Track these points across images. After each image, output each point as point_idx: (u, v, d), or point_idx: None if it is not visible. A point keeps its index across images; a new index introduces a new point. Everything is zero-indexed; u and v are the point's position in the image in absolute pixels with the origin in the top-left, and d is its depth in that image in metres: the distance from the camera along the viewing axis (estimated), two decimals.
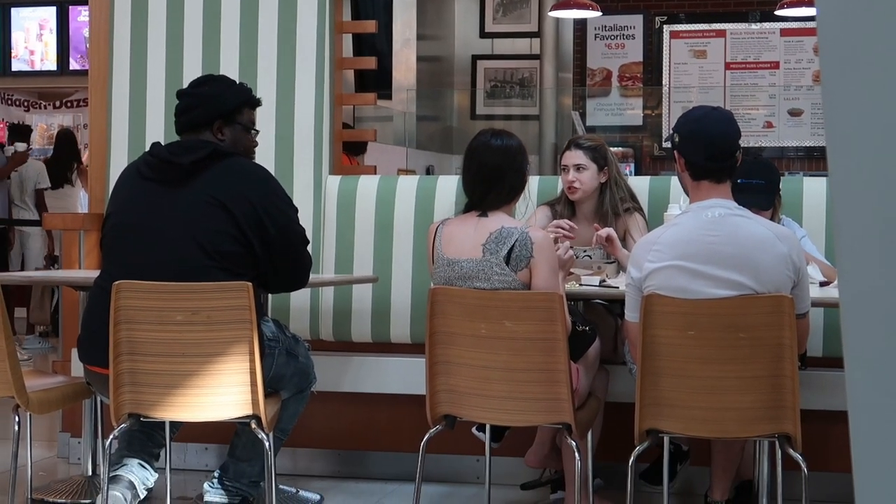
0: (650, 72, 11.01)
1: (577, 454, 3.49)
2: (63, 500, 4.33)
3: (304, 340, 4.00)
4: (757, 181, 3.95)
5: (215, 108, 3.80)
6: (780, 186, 4.15)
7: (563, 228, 4.04)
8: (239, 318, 3.43)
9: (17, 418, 3.80)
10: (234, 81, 3.95)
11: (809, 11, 8.26)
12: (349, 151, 7.72)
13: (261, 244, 3.64)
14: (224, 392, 3.49)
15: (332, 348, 4.72)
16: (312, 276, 3.92)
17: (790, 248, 3.31)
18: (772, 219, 4.02)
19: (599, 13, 9.41)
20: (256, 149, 3.90)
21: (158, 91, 4.87)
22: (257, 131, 3.96)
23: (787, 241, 3.33)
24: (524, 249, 3.51)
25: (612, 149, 4.54)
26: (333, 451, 4.77)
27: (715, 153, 3.38)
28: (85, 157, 8.99)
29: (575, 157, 4.34)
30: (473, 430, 4.02)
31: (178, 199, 3.64)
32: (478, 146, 3.66)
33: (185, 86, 4.01)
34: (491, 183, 3.60)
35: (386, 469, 4.69)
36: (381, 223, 4.71)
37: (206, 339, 3.46)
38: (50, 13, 10.57)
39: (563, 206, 4.41)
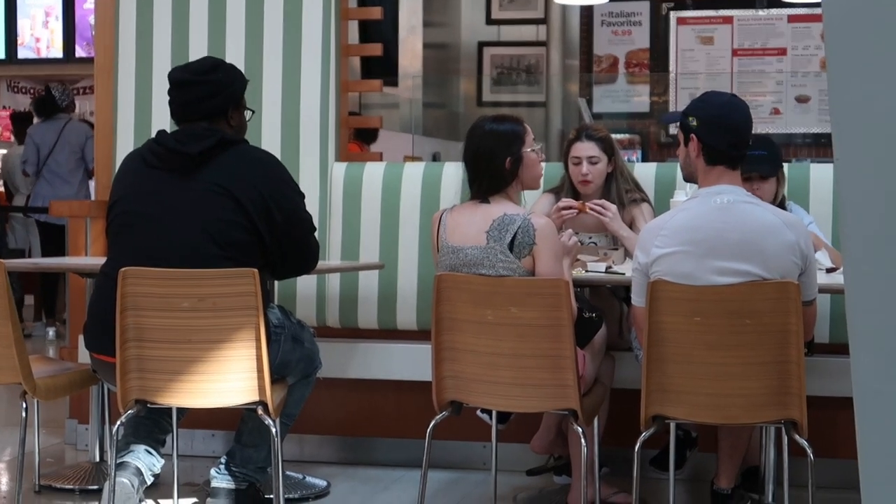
0: (657, 58, 10.97)
1: (583, 440, 3.49)
2: (70, 487, 4.34)
3: (309, 326, 4.00)
4: (760, 152, 3.97)
5: (231, 95, 3.77)
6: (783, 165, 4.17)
7: (571, 208, 4.07)
8: (245, 305, 3.43)
9: (24, 405, 3.81)
10: (231, 64, 3.91)
11: None
12: (361, 139, 7.73)
13: (268, 231, 3.63)
14: (230, 378, 3.49)
15: (338, 335, 4.73)
16: (318, 263, 3.91)
17: (798, 235, 3.30)
18: (777, 195, 4.04)
19: (606, 0, 9.38)
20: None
21: (164, 78, 4.83)
22: (253, 111, 3.94)
23: (796, 228, 3.32)
24: (526, 236, 3.51)
25: (619, 135, 4.52)
26: (340, 437, 4.78)
27: (737, 140, 3.41)
28: None
29: (588, 148, 4.30)
30: (478, 412, 4.02)
31: (186, 188, 3.62)
32: (472, 131, 3.68)
33: None
34: (483, 168, 3.61)
35: (392, 455, 4.69)
36: (387, 210, 4.71)
37: (212, 326, 3.46)
38: (56, 0, 10.56)
39: (567, 193, 4.39)
